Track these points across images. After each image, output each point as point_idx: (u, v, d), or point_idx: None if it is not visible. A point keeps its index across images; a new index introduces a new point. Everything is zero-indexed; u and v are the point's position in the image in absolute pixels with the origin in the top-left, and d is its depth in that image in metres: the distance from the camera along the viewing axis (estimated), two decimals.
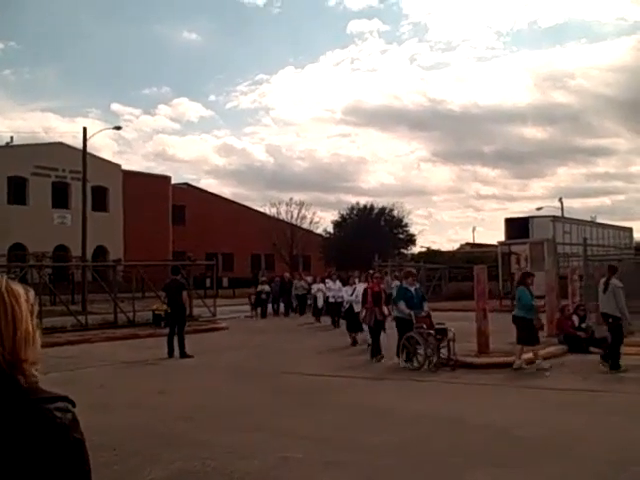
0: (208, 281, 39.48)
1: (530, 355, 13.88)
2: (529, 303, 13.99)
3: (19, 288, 1.72)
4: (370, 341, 16.21)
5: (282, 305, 31.87)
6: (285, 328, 24.86)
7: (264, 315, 30.27)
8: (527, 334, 13.80)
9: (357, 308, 17.71)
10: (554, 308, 18.23)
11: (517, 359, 13.69)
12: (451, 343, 14.03)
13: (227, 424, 9.41)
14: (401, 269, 33.95)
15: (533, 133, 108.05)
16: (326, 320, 25.20)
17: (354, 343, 18.32)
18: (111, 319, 24.57)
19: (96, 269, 32.81)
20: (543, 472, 6.95)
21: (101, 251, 53.49)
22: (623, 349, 13.43)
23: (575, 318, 16.93)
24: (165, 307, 18.05)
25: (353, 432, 8.79)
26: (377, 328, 15.68)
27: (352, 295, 18.67)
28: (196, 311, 26.70)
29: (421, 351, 14.05)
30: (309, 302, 29.83)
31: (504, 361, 13.93)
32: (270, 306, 31.72)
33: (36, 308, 1.74)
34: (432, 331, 14.07)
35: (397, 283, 20.46)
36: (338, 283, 24.32)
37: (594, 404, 10.45)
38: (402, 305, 14.61)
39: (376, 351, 15.42)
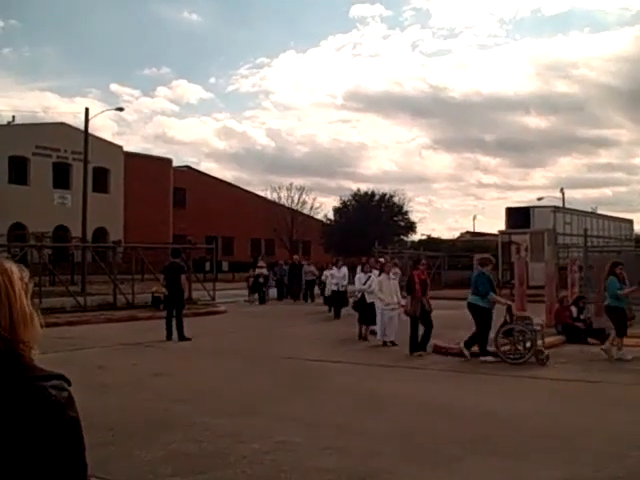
0: (208, 265, 39.52)
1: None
2: (616, 292, 13.42)
3: (12, 266, 1.69)
4: (379, 330, 15.80)
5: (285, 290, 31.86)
6: (286, 313, 24.85)
7: (262, 301, 29.68)
8: (622, 325, 13.45)
9: (370, 298, 16.73)
10: (553, 299, 18.22)
11: (616, 349, 13.37)
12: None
13: (225, 407, 9.41)
14: (401, 257, 33.99)
15: (535, 122, 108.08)
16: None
17: (361, 337, 16.97)
18: (110, 301, 24.60)
19: (96, 250, 32.89)
20: (543, 461, 6.94)
21: (101, 232, 53.50)
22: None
23: (574, 309, 16.94)
24: (164, 290, 18.01)
25: (353, 418, 8.80)
26: (423, 319, 14.45)
27: (365, 284, 17.34)
28: (195, 294, 26.73)
29: (521, 345, 13.33)
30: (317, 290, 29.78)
31: (502, 350, 13.90)
32: (275, 291, 31.71)
33: (31, 287, 1.71)
34: (536, 321, 13.66)
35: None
36: (343, 270, 23.56)
37: (593, 394, 10.46)
38: (495, 296, 13.92)
39: (417, 346, 14.23)
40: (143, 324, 19.87)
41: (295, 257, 35.06)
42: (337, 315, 22.80)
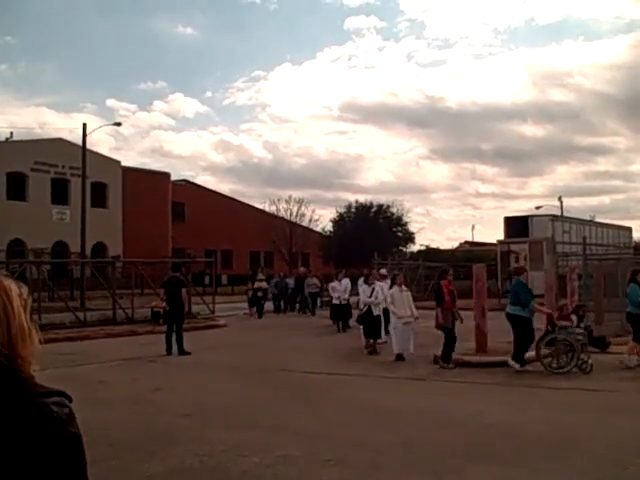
0: (207, 278, 39.51)
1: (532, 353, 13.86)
2: (637, 299, 13.45)
3: (11, 283, 1.70)
4: (395, 344, 15.15)
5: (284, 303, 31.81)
6: (287, 326, 24.81)
7: (261, 314, 29.17)
8: None
9: (376, 311, 16.52)
10: (552, 307, 18.20)
11: (634, 356, 13.36)
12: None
13: (226, 421, 9.40)
14: (401, 268, 33.97)
15: (532, 131, 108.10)
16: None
17: (372, 351, 16.22)
18: (110, 316, 24.56)
19: (95, 265, 32.90)
20: (544, 470, 6.94)
21: (100, 247, 53.46)
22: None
23: (573, 317, 16.90)
24: (164, 304, 17.96)
25: (354, 429, 8.79)
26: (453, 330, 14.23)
27: (371, 296, 16.75)
28: (195, 308, 26.70)
29: (564, 355, 13.24)
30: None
31: (503, 360, 13.90)
32: (272, 304, 31.53)
33: (30, 303, 1.72)
34: (579, 330, 13.60)
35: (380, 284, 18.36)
36: (344, 283, 23.01)
37: (593, 402, 10.46)
38: (537, 305, 13.80)
39: (448, 357, 14.01)
40: (143, 339, 19.85)
41: (301, 269, 34.77)
42: (340, 329, 22.24)
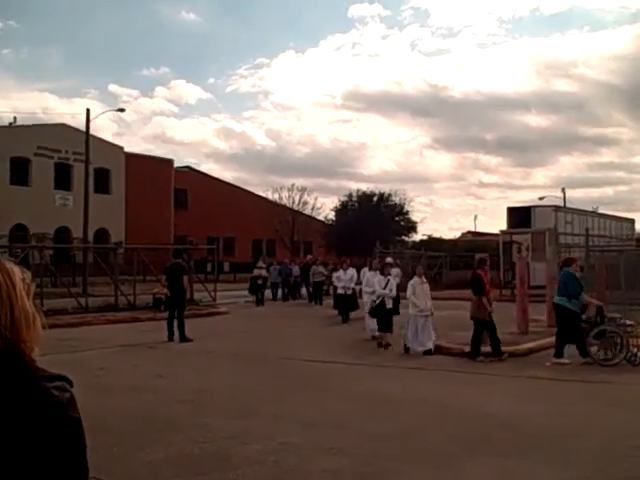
0: (209, 265, 39.52)
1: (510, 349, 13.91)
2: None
3: (13, 266, 1.70)
4: (408, 337, 14.57)
5: (301, 291, 31.89)
6: (289, 315, 24.82)
7: (259, 302, 28.81)
8: None
9: (390, 304, 15.77)
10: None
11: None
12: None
13: (227, 408, 9.42)
14: (402, 257, 33.95)
15: (536, 121, 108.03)
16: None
17: (386, 345, 15.36)
18: (112, 302, 24.60)
19: (97, 251, 32.89)
20: (544, 461, 6.95)
21: (102, 233, 53.49)
22: None
23: None
24: (165, 290, 17.94)
25: (355, 418, 8.80)
26: (489, 321, 13.75)
27: (386, 288, 15.73)
28: (197, 295, 26.71)
29: (613, 347, 13.03)
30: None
31: (504, 350, 13.90)
32: (270, 292, 31.43)
33: (33, 289, 1.72)
34: (629, 322, 13.28)
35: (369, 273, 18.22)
36: (350, 272, 22.23)
37: (594, 394, 10.45)
38: (586, 297, 13.65)
39: (478, 350, 13.65)
40: (144, 325, 19.87)
41: (309, 257, 34.26)
42: (345, 319, 21.58)
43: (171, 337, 16.76)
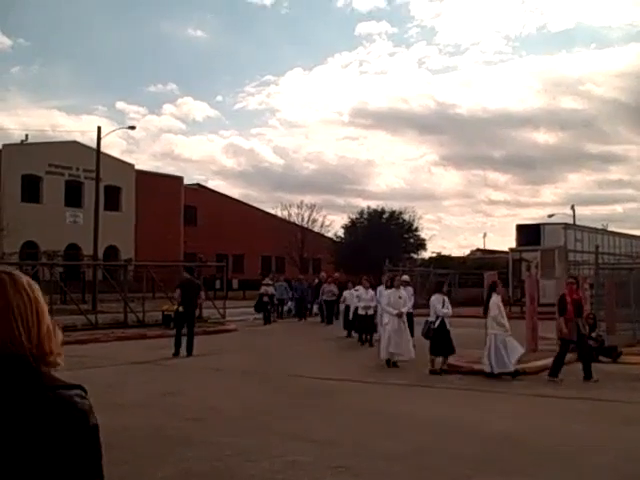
0: (218, 282, 39.59)
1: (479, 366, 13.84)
2: None
3: (29, 279, 1.77)
4: (492, 361, 13.72)
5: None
6: (298, 332, 24.80)
7: (267, 320, 28.18)
8: None
9: (448, 324, 14.77)
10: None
11: None
12: None
13: (236, 426, 9.42)
14: (412, 274, 33.89)
15: (544, 138, 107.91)
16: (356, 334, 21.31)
17: (436, 371, 14.33)
18: (121, 319, 24.67)
19: (107, 268, 32.94)
20: None
21: (112, 251, 53.66)
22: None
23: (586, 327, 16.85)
24: (179, 307, 17.72)
25: (363, 437, 8.79)
26: (578, 343, 13.53)
27: (444, 307, 14.84)
28: (205, 312, 26.74)
29: None
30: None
31: (514, 369, 13.86)
32: (285, 308, 31.34)
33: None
34: None
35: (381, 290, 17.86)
36: (371, 292, 20.54)
37: (605, 413, 10.41)
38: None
39: (558, 370, 13.18)
40: (154, 342, 19.89)
41: (322, 275, 33.26)
42: (363, 342, 20.23)
43: (177, 353, 16.83)
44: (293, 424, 9.51)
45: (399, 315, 15.44)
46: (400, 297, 15.73)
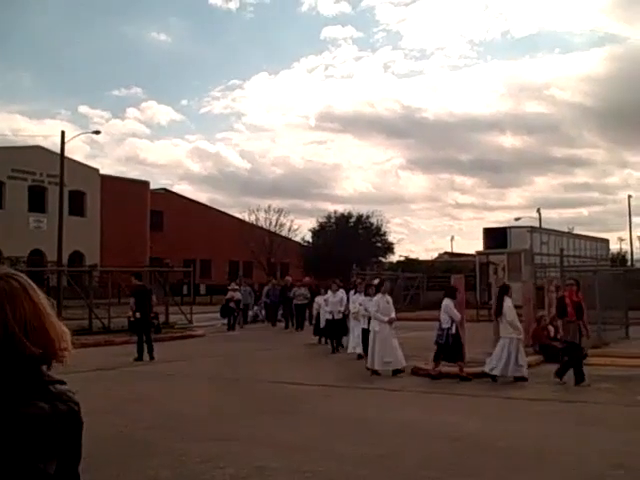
0: (185, 288, 39.28)
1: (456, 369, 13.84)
2: None
3: (28, 279, 1.85)
4: (500, 365, 13.59)
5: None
6: (266, 338, 24.65)
7: (231, 327, 27.39)
8: None
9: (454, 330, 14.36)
10: (531, 319, 18.27)
11: None
12: None
13: (202, 432, 9.29)
14: (380, 278, 33.90)
15: (510, 142, 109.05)
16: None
17: (436, 374, 13.99)
18: (86, 325, 24.30)
19: (72, 274, 32.50)
20: None
21: (77, 256, 53.00)
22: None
23: (551, 328, 17.00)
24: (137, 314, 17.60)
25: (331, 442, 8.71)
26: (579, 346, 13.37)
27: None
28: (172, 318, 26.50)
29: None
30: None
31: (481, 371, 13.91)
32: (250, 314, 30.89)
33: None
34: None
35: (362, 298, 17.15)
36: (339, 295, 19.95)
37: (572, 414, 10.47)
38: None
39: (582, 374, 12.92)
40: (119, 349, 19.63)
41: (287, 278, 32.70)
42: (335, 349, 19.28)
43: (140, 358, 16.84)
44: (261, 430, 9.41)
45: (390, 322, 14.89)
46: (388, 302, 15.18)
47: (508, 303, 14.00)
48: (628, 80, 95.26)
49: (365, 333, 15.60)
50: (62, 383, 1.80)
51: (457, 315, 14.23)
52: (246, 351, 20.02)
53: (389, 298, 15.45)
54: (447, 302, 14.43)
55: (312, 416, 10.44)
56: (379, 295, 15.32)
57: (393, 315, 15.08)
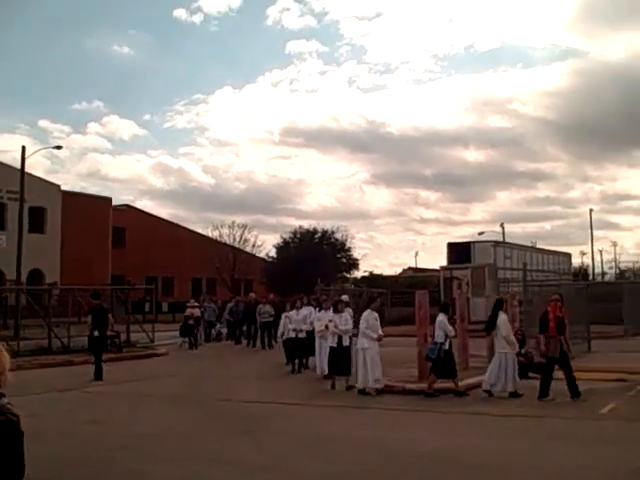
0: (147, 305, 38.80)
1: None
2: None
3: None
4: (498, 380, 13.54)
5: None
6: (231, 356, 24.40)
7: (193, 345, 26.74)
8: None
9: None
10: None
11: None
12: None
13: (163, 453, 9.09)
14: (344, 294, 33.83)
15: (474, 156, 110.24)
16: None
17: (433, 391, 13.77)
18: (45, 345, 23.79)
19: (31, 293, 31.87)
20: None
21: (37, 274, 52.06)
22: None
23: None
24: (95, 332, 17.31)
25: (295, 461, 8.58)
26: (561, 362, 13.16)
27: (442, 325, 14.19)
28: (134, 336, 26.09)
29: None
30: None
31: (445, 387, 13.87)
32: (213, 331, 30.38)
33: None
34: None
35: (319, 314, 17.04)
36: (303, 312, 18.82)
37: (535, 429, 10.46)
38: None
39: (547, 390, 12.97)
40: (80, 369, 19.23)
41: (251, 295, 31.73)
42: (296, 369, 18.36)
43: (99, 377, 16.71)
44: (225, 449, 9.24)
45: (379, 339, 14.50)
46: (376, 319, 14.74)
47: (503, 317, 13.92)
48: (589, 94, 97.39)
49: (333, 351, 15.09)
50: (1, 396, 1.83)
51: (451, 330, 14.19)
52: (209, 370, 19.76)
53: (377, 315, 15.03)
54: (441, 317, 14.29)
55: (277, 435, 10.29)
56: (368, 311, 14.81)
57: (381, 332, 14.70)
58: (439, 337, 14.04)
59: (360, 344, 14.41)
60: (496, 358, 13.83)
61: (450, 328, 14.17)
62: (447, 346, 13.90)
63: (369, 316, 14.68)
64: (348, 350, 14.83)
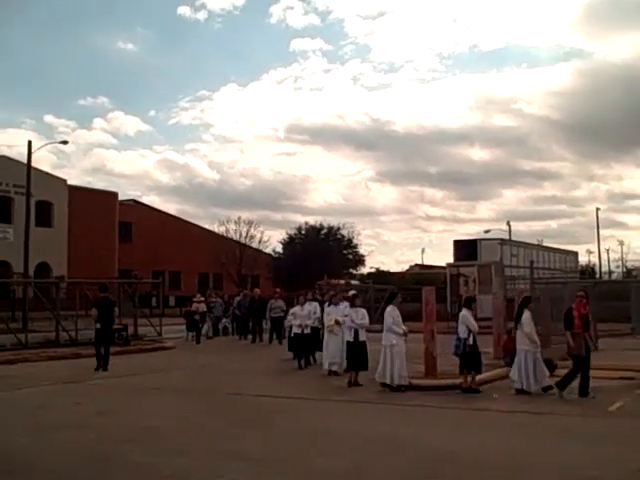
0: (154, 300, 38.92)
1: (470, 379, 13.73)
2: None
3: None
4: (521, 376, 13.47)
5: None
6: (238, 350, 24.45)
7: (198, 340, 26.86)
8: None
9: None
10: (501, 330, 18.34)
11: None
12: None
13: (169, 446, 9.11)
14: (348, 289, 33.85)
15: (479, 155, 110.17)
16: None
17: (473, 386, 13.69)
18: (52, 338, 23.90)
19: (38, 286, 31.98)
20: None
21: (44, 267, 52.25)
22: None
23: None
24: (97, 325, 17.52)
25: (300, 455, 8.60)
26: (587, 358, 13.14)
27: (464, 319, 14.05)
28: (141, 330, 26.18)
29: None
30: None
31: (452, 383, 13.89)
32: (220, 326, 30.41)
33: None
34: None
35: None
36: (308, 307, 18.70)
37: (543, 426, 10.46)
38: None
39: (586, 389, 12.89)
40: (87, 361, 19.26)
41: (256, 290, 31.44)
42: (302, 365, 18.14)
43: (99, 367, 16.97)
44: (231, 443, 9.26)
45: (405, 335, 14.29)
46: (398, 316, 14.46)
47: (527, 314, 13.82)
48: (594, 94, 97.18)
49: (351, 346, 14.91)
50: None
51: (474, 325, 14.01)
52: (217, 364, 19.82)
53: (398, 311, 14.73)
54: (465, 312, 14.20)
55: (282, 429, 10.31)
56: (391, 307, 14.51)
57: (405, 327, 14.46)
58: (462, 332, 14.00)
59: (387, 340, 14.18)
60: (517, 357, 13.76)
61: (473, 323, 14.00)
62: (471, 341, 13.84)
63: (393, 312, 14.41)
64: (364, 345, 14.75)
